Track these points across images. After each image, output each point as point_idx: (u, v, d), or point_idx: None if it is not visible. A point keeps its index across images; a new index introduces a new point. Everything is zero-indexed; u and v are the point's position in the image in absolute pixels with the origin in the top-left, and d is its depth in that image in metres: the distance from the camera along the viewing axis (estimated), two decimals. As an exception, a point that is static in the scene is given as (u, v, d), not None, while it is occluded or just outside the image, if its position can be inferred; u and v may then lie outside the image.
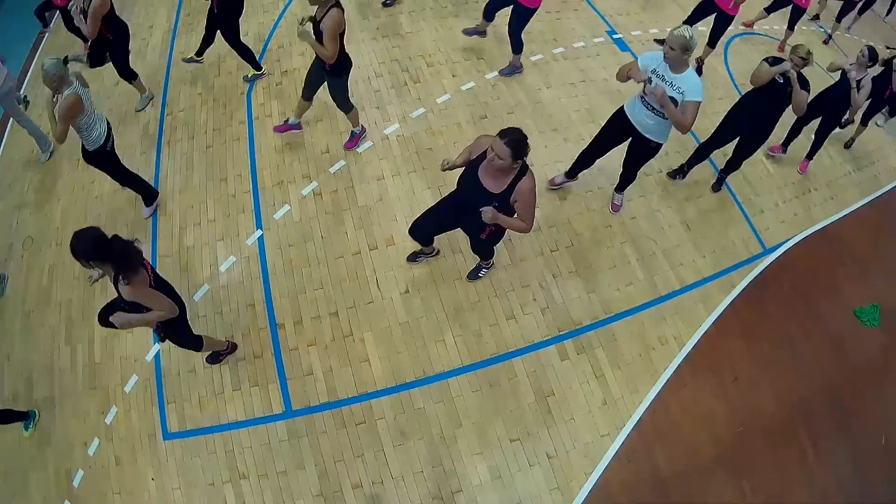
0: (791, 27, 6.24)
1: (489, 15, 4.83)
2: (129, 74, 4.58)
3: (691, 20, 5.19)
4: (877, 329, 4.61)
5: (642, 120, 3.48)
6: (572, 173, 4.15)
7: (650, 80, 3.29)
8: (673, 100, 3.20)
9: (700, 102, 3.19)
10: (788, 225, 4.64)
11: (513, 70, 4.93)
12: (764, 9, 6.33)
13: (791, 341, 4.18)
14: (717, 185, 4.58)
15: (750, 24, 6.54)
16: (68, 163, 4.50)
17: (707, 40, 5.25)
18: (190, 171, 4.28)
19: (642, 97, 3.43)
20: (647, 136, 3.52)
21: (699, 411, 3.61)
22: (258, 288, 3.70)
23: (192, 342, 3.06)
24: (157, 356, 3.49)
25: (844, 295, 4.73)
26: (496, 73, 4.97)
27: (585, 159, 3.97)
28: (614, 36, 5.61)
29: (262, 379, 3.39)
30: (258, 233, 3.91)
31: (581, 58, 5.32)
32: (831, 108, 4.71)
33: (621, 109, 3.65)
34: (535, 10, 4.48)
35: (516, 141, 2.56)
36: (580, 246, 3.99)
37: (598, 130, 3.84)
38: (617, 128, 3.67)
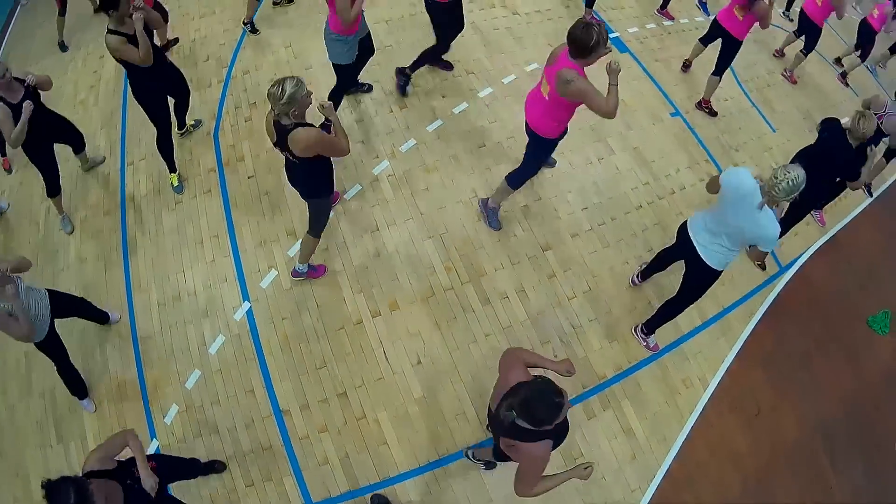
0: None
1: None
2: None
3: (705, 40, 4.89)
4: (889, 336, 4.64)
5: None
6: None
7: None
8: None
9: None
10: (802, 237, 4.53)
11: None
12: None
13: (808, 361, 4.17)
14: None
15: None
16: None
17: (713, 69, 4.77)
18: (160, 235, 3.84)
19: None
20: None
21: (726, 450, 3.59)
22: (255, 370, 3.39)
23: None
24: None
25: (857, 304, 4.71)
26: (490, 89, 4.55)
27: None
28: (611, 35, 5.18)
29: (276, 472, 3.15)
30: (245, 305, 3.56)
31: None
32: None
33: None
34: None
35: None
36: (598, 289, 3.78)
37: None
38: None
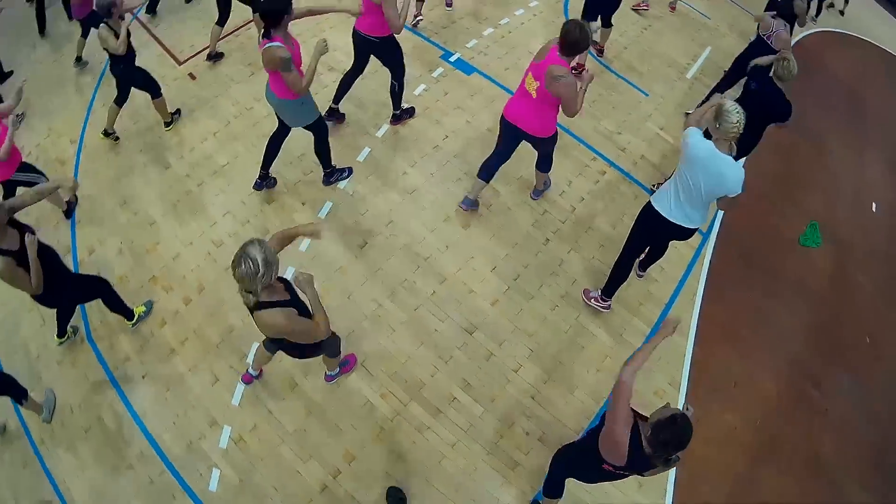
0: None
1: None
2: None
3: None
4: (824, 244, 4.71)
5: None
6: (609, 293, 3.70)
7: None
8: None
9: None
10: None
11: None
12: None
13: (763, 312, 4.21)
14: None
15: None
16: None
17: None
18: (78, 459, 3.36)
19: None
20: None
21: (721, 435, 3.59)
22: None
23: None
24: None
25: (784, 232, 4.79)
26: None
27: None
28: (452, 59, 5.01)
29: None
30: (203, 515, 3.19)
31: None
32: None
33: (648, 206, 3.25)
34: None
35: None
36: (539, 347, 3.60)
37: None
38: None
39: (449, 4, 5.45)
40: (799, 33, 6.80)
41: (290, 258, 3.72)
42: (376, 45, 3.79)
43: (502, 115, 3.49)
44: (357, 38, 3.80)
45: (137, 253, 3.87)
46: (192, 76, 4.81)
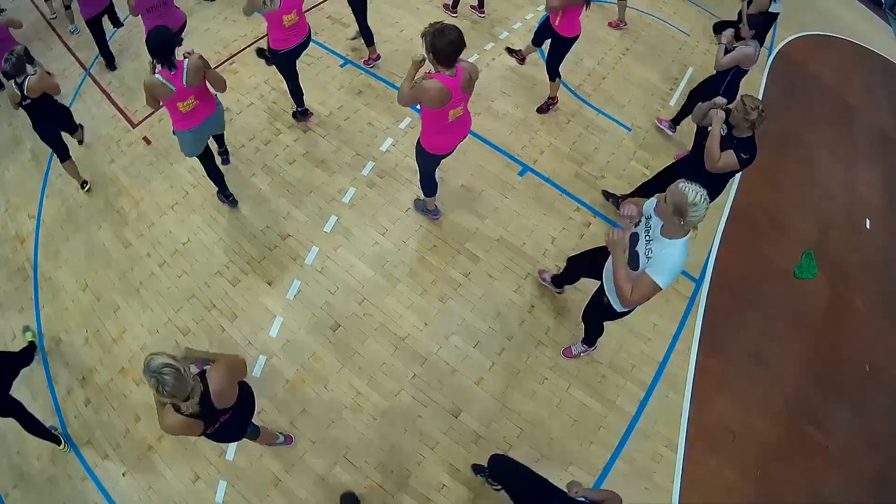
0: None
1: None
2: None
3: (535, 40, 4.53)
4: (819, 273, 4.51)
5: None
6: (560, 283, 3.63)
7: (638, 224, 2.57)
8: (635, 257, 2.52)
9: (658, 290, 2.42)
10: (702, 238, 4.28)
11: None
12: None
13: (760, 356, 4.03)
14: None
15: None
16: None
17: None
18: None
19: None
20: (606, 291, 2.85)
21: (722, 492, 3.41)
22: None
23: None
24: None
25: (778, 264, 4.58)
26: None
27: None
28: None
29: None
30: None
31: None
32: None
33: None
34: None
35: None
36: (531, 426, 3.39)
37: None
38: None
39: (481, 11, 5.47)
40: (781, 40, 6.60)
41: (261, 346, 3.52)
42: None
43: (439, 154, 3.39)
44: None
45: (105, 342, 3.65)
46: (146, 140, 4.52)
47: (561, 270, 3.67)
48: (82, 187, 4.29)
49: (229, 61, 5.04)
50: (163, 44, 3.10)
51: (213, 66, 3.45)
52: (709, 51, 5.82)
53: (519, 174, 4.29)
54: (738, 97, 3.15)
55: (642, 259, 2.49)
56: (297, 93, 4.32)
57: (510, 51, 5.03)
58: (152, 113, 4.67)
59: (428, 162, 3.52)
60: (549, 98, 4.73)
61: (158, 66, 3.16)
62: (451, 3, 5.50)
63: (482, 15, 5.59)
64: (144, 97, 3.21)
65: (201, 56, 3.31)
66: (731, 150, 3.21)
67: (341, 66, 4.98)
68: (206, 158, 3.74)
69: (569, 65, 5.11)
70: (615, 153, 4.59)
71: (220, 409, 2.22)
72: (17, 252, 4.18)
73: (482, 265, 3.84)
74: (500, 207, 4.07)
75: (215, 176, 3.88)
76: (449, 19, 5.39)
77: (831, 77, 6.65)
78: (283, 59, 3.97)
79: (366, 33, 4.75)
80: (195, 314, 3.67)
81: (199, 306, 3.70)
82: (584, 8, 3.97)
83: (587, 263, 3.23)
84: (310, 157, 4.29)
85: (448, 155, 3.44)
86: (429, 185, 3.75)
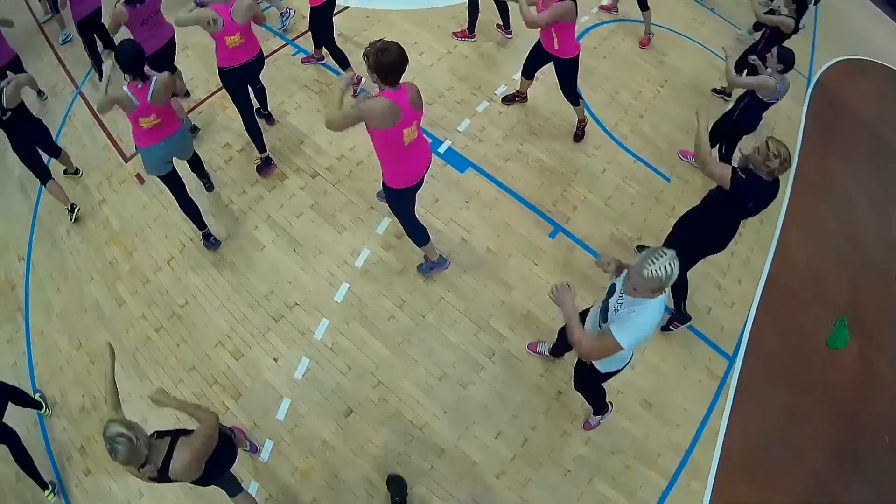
0: None
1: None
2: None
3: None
4: (851, 340, 4.29)
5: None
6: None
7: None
8: (605, 310, 2.38)
9: (620, 349, 2.23)
10: (739, 306, 4.00)
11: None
12: None
13: (785, 433, 3.82)
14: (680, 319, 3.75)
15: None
16: None
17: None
18: None
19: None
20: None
21: None
22: None
23: None
24: None
25: (812, 336, 4.30)
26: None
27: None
28: (442, 149, 4.28)
29: None
30: None
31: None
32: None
33: None
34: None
35: None
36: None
37: None
38: None
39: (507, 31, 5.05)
40: (819, 67, 6.09)
41: (268, 430, 3.26)
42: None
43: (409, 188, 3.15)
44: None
45: (102, 411, 3.39)
46: (139, 178, 4.12)
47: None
48: (70, 212, 3.96)
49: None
50: (133, 58, 3.11)
51: (209, 95, 3.27)
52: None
53: (550, 235, 3.93)
54: (764, 140, 2.80)
55: (611, 312, 2.30)
56: (254, 131, 3.92)
57: (508, 99, 4.60)
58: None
59: (403, 202, 3.24)
60: (579, 122, 4.37)
61: (128, 79, 3.19)
62: (467, 28, 4.97)
63: (509, 36, 5.08)
64: (99, 100, 3.10)
65: (173, 75, 3.35)
66: (732, 169, 2.86)
67: (356, 94, 4.44)
68: (175, 188, 3.59)
69: (605, 98, 4.70)
70: (652, 209, 4.21)
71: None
72: (8, 298, 3.87)
73: (507, 344, 3.54)
74: (529, 276, 3.74)
75: (189, 209, 3.64)
76: (466, 44, 4.93)
77: (867, 109, 6.21)
78: (229, 78, 3.68)
79: (338, 56, 4.43)
80: (196, 388, 3.40)
81: (200, 380, 3.42)
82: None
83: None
84: (318, 210, 3.91)
85: (419, 186, 3.15)
86: (417, 232, 3.43)
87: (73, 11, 4.49)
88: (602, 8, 5.70)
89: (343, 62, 4.48)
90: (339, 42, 4.66)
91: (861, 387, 4.34)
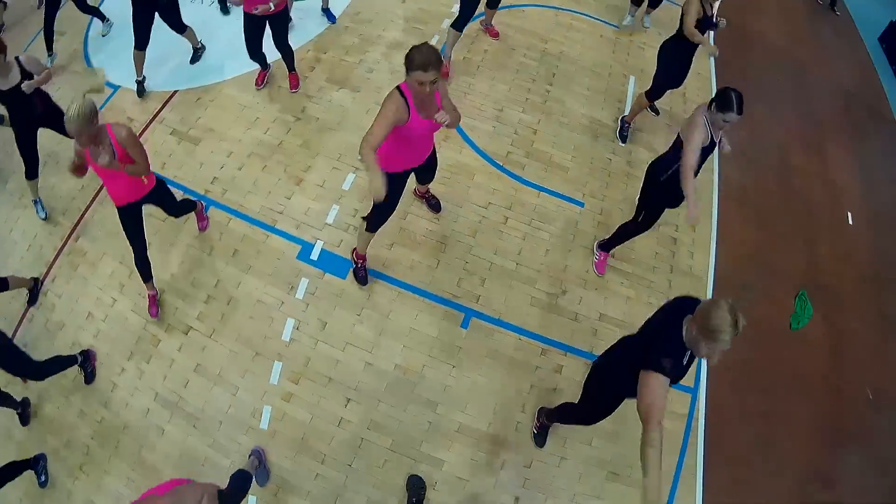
0: None
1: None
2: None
3: None
4: (815, 314, 4.01)
5: None
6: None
7: None
8: None
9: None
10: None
11: None
12: None
13: (765, 437, 3.59)
14: None
15: None
16: None
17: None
18: None
19: None
20: None
21: None
22: None
23: None
24: None
25: (777, 321, 3.98)
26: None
27: None
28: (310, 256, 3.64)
29: None
30: None
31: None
32: None
33: None
34: None
35: None
36: None
37: None
38: None
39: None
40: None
41: None
42: None
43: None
44: None
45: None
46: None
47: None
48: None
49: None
50: None
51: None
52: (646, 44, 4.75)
53: (462, 325, 3.39)
54: (701, 305, 2.00)
55: None
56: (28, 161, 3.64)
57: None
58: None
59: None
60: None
61: None
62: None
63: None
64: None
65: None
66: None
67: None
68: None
69: (489, 122, 4.09)
70: (572, 249, 3.68)
71: None
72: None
73: (448, 468, 3.07)
74: (451, 383, 3.25)
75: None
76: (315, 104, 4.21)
77: (775, 32, 5.82)
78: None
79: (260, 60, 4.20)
80: None
81: None
82: None
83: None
84: (203, 373, 3.29)
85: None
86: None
87: None
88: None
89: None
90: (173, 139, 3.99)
91: (834, 353, 4.07)
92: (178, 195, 3.73)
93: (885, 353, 4.13)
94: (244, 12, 3.73)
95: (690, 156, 2.78)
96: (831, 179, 4.85)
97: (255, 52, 4.04)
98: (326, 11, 4.86)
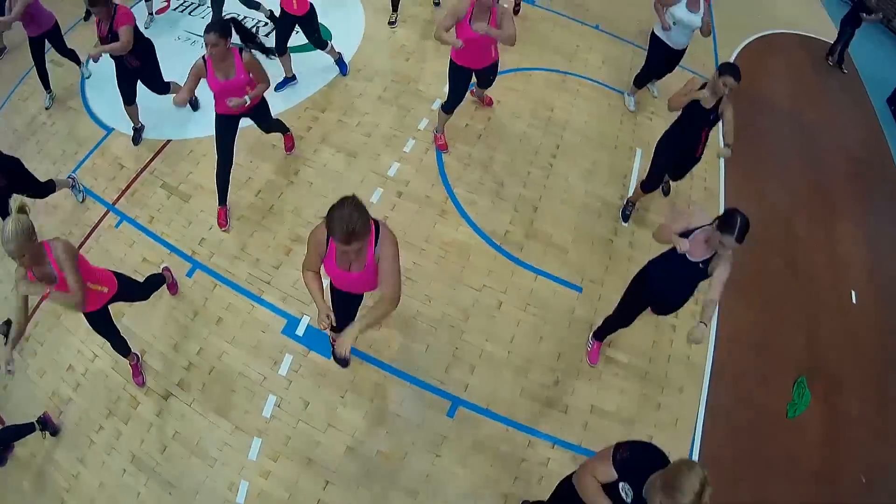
0: None
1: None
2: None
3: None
4: (813, 400, 3.89)
5: None
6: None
7: None
8: None
9: None
10: (683, 423, 3.48)
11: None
12: None
13: None
14: None
15: None
16: None
17: None
18: None
19: None
20: None
21: None
22: None
23: None
24: None
25: (773, 405, 3.85)
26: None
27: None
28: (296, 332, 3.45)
29: None
30: None
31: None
32: None
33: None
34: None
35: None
36: None
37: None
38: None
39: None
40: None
41: None
42: None
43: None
44: None
45: None
46: None
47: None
48: None
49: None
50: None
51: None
52: (654, 113, 4.69)
53: (448, 413, 3.29)
54: (676, 462, 1.86)
55: None
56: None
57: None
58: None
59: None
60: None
61: None
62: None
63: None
64: None
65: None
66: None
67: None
68: None
69: (488, 198, 4.03)
70: (566, 337, 3.60)
71: None
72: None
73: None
74: (433, 472, 3.14)
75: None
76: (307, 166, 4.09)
77: (783, 94, 5.79)
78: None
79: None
80: None
81: None
82: None
83: None
84: (181, 441, 3.20)
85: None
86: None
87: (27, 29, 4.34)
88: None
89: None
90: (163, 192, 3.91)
91: (831, 438, 3.92)
92: (164, 253, 3.75)
93: (885, 435, 3.99)
94: (216, 114, 3.47)
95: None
96: (837, 253, 4.76)
97: (226, 166, 3.63)
98: (339, 62, 4.80)
